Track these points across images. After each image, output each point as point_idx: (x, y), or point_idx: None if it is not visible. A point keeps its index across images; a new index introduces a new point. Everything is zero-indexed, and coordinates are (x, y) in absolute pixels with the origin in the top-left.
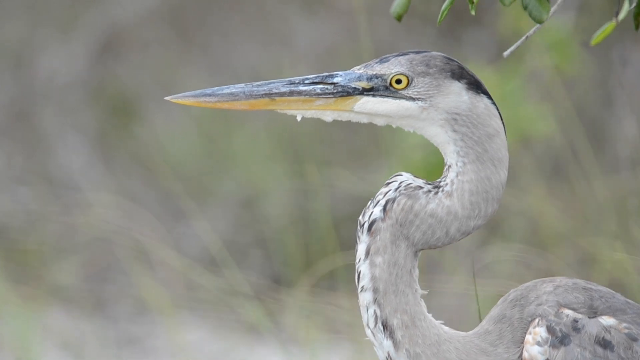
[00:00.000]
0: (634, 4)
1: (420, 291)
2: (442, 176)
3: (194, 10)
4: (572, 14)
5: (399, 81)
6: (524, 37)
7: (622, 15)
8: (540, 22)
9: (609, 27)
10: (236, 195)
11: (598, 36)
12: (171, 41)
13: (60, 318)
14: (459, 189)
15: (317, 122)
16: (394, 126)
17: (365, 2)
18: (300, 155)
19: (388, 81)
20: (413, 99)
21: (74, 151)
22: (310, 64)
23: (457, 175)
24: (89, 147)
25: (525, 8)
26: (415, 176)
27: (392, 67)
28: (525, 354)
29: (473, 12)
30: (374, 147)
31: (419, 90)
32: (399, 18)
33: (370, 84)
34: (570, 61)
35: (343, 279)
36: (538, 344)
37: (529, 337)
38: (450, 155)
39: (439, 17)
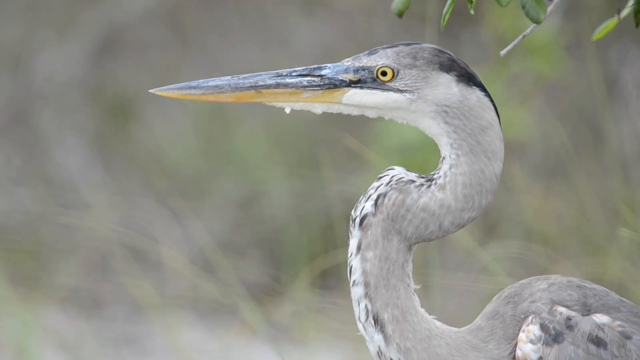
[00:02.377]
0: (632, 2)
1: (413, 286)
2: (437, 168)
3: (192, 11)
4: (558, 18)
5: (384, 73)
6: (520, 36)
7: (624, 12)
8: (537, 22)
9: (610, 23)
10: (234, 195)
11: (599, 32)
12: (169, 42)
13: (58, 318)
14: (452, 181)
15: (316, 120)
16: (386, 118)
17: (364, 2)
18: (299, 154)
19: (374, 73)
20: (401, 91)
21: (71, 152)
22: (308, 65)
23: (450, 168)
24: (87, 147)
25: (523, 7)
26: (408, 170)
27: (379, 59)
28: (518, 352)
29: (472, 11)
30: (372, 146)
31: (406, 82)
32: (400, 14)
33: (357, 76)
34: (553, 65)
35: (342, 278)
36: (531, 341)
37: (522, 335)
38: (444, 147)
39: (442, 21)
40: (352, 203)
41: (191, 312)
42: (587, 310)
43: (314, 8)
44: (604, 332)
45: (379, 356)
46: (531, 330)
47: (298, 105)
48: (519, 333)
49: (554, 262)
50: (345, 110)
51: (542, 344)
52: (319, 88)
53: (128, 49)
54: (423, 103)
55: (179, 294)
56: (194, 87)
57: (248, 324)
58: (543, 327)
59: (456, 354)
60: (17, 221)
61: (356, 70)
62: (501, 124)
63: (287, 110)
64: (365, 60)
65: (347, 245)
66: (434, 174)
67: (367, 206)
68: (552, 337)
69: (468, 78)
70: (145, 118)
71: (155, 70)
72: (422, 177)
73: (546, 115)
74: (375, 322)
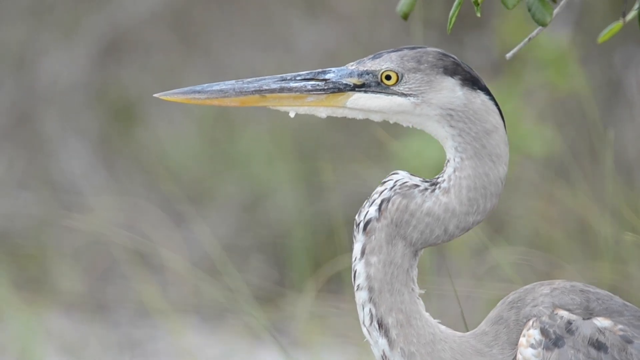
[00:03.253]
0: (638, 5)
1: (417, 290)
2: (441, 172)
3: (196, 14)
4: (569, 29)
5: (388, 77)
6: (526, 39)
7: (630, 15)
8: (543, 24)
9: (615, 26)
10: (238, 198)
11: (604, 35)
12: (173, 45)
13: (62, 322)
14: (457, 185)
15: (320, 124)
16: (391, 122)
17: (367, 5)
18: (303, 158)
19: (379, 77)
20: (405, 95)
21: (75, 155)
22: (312, 68)
23: (454, 171)
24: (91, 150)
25: (529, 10)
26: (412, 174)
27: (383, 63)
28: (519, 356)
29: (479, 14)
30: (377, 148)
31: (410, 86)
32: (405, 17)
33: (361, 80)
34: (566, 78)
35: (347, 281)
36: (532, 346)
37: (522, 340)
38: (449, 150)
39: (448, 24)
40: (357, 207)
41: (195, 316)
42: (589, 314)
43: (317, 12)
44: (604, 336)
45: None
46: (531, 334)
47: (302, 109)
48: None
49: (558, 267)
50: (350, 114)
51: (543, 349)
52: (323, 92)
53: (132, 52)
54: (427, 107)
55: (182, 298)
56: (199, 92)
57: (252, 327)
58: (543, 332)
59: (460, 358)
60: (21, 224)
61: (360, 74)
62: (506, 128)
63: (292, 114)
64: (370, 64)
65: (352, 249)
66: (438, 178)
67: (371, 211)
68: (553, 341)
69: (472, 82)
70: (149, 121)
71: (159, 74)
72: (427, 182)
73: (549, 120)
74: (379, 326)
